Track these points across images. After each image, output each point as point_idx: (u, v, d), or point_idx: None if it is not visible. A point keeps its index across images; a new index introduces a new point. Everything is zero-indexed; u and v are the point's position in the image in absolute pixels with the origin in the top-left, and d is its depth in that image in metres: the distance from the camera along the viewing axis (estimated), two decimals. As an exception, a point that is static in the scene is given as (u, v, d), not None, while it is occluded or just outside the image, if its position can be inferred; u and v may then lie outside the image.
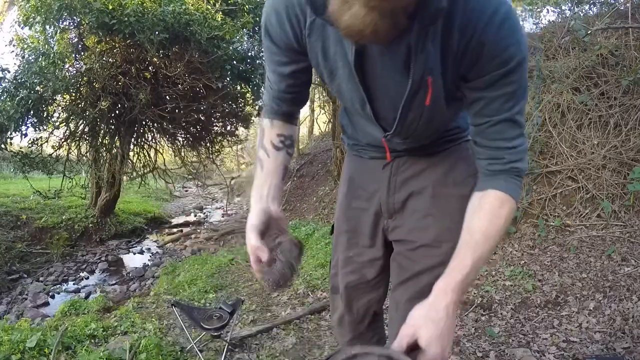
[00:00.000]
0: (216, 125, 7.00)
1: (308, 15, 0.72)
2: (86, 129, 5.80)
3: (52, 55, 4.69)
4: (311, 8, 0.63)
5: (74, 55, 5.03)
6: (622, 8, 3.93)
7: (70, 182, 6.11)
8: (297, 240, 0.76)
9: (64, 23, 4.76)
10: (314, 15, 0.68)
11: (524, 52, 0.66)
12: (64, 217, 6.20)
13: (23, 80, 4.63)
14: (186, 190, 13.49)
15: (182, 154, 7.18)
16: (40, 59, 4.69)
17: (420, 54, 0.66)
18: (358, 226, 1.04)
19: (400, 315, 0.89)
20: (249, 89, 6.32)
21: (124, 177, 6.71)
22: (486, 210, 0.72)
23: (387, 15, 0.52)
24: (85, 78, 5.08)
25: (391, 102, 0.76)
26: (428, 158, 0.93)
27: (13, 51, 4.91)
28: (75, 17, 4.63)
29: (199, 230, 7.11)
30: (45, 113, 5.13)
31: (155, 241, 6.71)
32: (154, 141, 6.82)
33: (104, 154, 6.16)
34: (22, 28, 4.90)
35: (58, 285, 4.59)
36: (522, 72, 0.68)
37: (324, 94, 10.46)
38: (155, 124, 6.19)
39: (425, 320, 0.66)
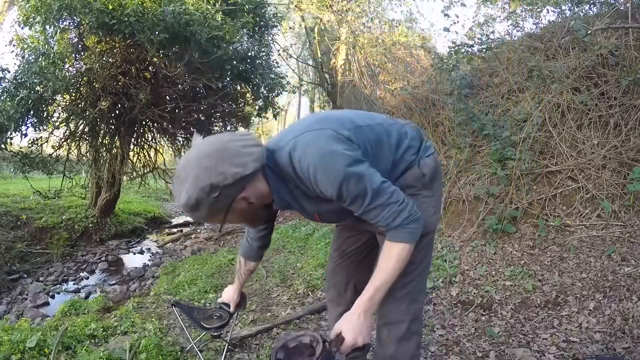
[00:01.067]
0: (216, 125, 6.98)
1: None
2: (86, 129, 5.79)
3: (52, 55, 4.67)
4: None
5: (74, 55, 5.01)
6: (622, 8, 3.92)
7: (70, 182, 6.11)
8: (244, 294, 1.71)
9: (64, 23, 4.75)
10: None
11: (341, 175, 1.02)
12: (64, 217, 6.20)
13: (23, 80, 4.62)
14: (186, 190, 13.46)
15: (182, 153, 7.17)
16: (40, 59, 4.68)
17: (299, 205, 1.18)
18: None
19: None
20: (249, 89, 6.31)
21: (124, 177, 6.70)
22: (382, 255, 1.16)
23: (249, 220, 1.24)
24: (85, 78, 5.08)
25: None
26: None
27: (13, 51, 4.89)
28: (75, 17, 4.62)
29: (199, 230, 7.09)
30: (45, 113, 5.12)
31: (155, 241, 6.71)
32: (154, 141, 6.81)
33: (104, 154, 6.15)
34: (22, 28, 4.88)
35: (58, 285, 4.58)
36: (351, 184, 1.04)
37: (324, 94, 10.45)
38: (155, 124, 6.18)
39: (345, 322, 1.15)
